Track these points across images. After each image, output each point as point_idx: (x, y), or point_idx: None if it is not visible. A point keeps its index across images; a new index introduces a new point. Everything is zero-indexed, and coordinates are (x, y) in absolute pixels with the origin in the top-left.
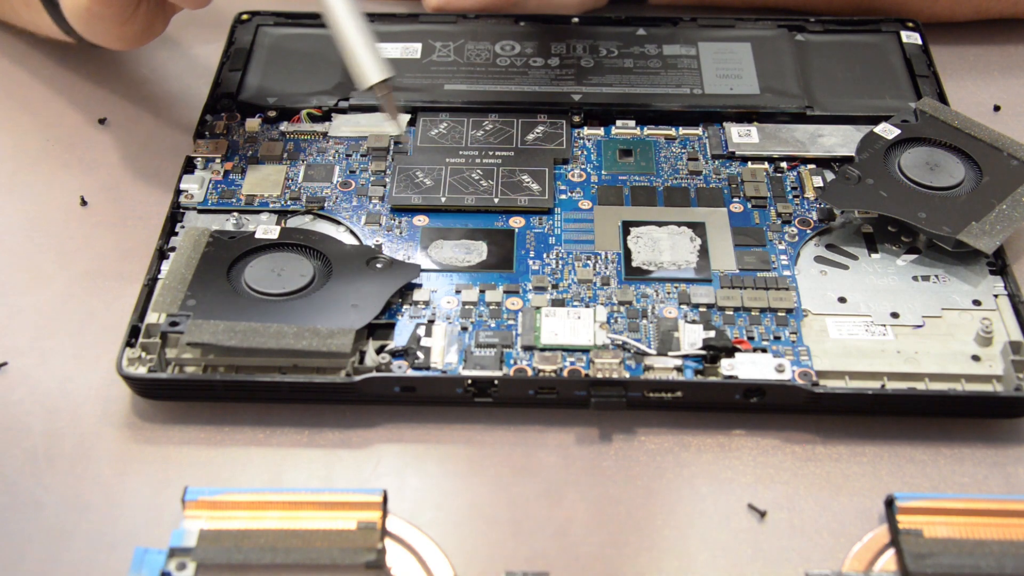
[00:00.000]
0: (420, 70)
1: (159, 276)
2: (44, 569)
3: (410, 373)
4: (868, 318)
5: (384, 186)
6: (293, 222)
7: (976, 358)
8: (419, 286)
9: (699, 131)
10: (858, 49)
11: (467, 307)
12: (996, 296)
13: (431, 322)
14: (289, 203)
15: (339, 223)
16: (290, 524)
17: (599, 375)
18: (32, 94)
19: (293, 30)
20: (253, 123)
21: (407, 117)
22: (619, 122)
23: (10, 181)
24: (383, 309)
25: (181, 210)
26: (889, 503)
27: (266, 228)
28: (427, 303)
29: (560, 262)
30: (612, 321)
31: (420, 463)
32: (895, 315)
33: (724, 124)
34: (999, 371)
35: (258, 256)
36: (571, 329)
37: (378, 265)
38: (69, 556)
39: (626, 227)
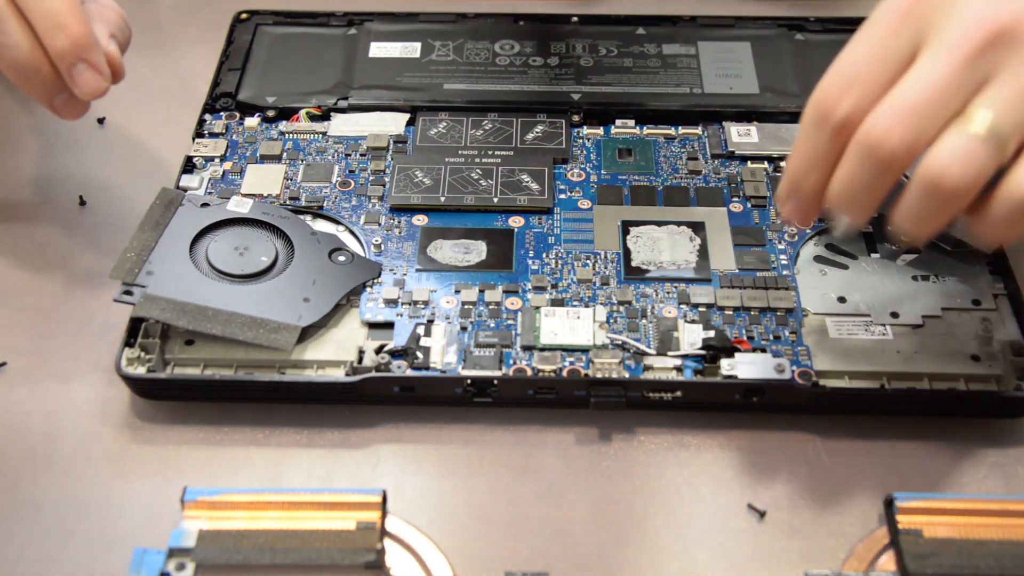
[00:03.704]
0: (419, 69)
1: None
2: (43, 569)
3: (409, 373)
4: (868, 318)
5: (383, 186)
6: None
7: (976, 358)
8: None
9: (699, 130)
10: None
11: (466, 307)
12: (996, 296)
13: (430, 322)
14: (288, 202)
15: (338, 223)
16: (289, 524)
17: (599, 375)
18: None
19: (292, 29)
20: (252, 122)
21: (405, 117)
22: (618, 121)
23: (10, 181)
24: (335, 307)
25: None
26: (889, 503)
27: (239, 201)
28: (427, 303)
29: (559, 262)
30: (611, 321)
31: (419, 463)
32: (895, 315)
33: (724, 123)
34: (999, 371)
35: (225, 230)
36: (571, 329)
37: (340, 259)
38: (68, 556)
39: (625, 227)
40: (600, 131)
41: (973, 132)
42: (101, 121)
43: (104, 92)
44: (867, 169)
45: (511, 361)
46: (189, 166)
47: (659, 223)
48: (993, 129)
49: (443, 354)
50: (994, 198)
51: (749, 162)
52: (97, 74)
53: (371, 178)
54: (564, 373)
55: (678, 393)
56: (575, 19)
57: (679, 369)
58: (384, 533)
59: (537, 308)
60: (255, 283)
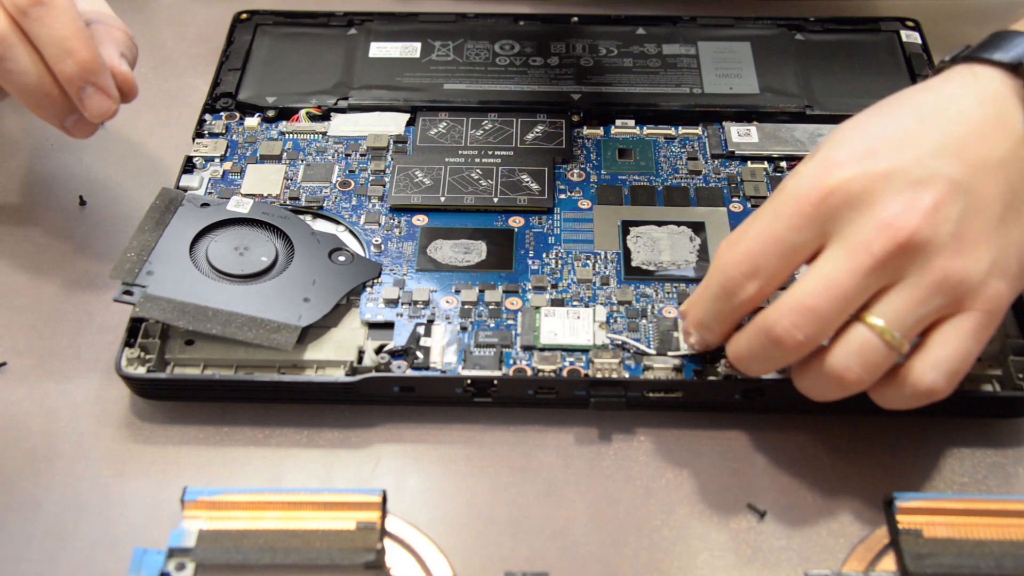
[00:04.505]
0: (419, 69)
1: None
2: (43, 569)
3: (409, 373)
4: None
5: (383, 186)
6: None
7: (976, 358)
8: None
9: (699, 130)
10: (858, 49)
11: (466, 307)
12: None
13: (430, 322)
14: (288, 202)
15: (338, 223)
16: (289, 524)
17: (599, 375)
18: None
19: (292, 29)
20: (252, 122)
21: (405, 117)
22: (618, 121)
23: (10, 181)
24: (335, 307)
25: None
26: (889, 503)
27: (239, 201)
28: (427, 303)
29: (559, 262)
30: (611, 321)
31: (419, 463)
32: None
33: (724, 123)
34: (999, 371)
35: (225, 230)
36: (570, 329)
37: (340, 259)
38: (68, 556)
39: (625, 227)
40: (600, 131)
41: (873, 336)
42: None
43: (113, 113)
44: (767, 352)
45: (511, 361)
46: (189, 166)
47: (659, 223)
48: (889, 336)
49: (443, 354)
50: (895, 383)
51: (749, 162)
52: (105, 97)
53: (371, 178)
54: (564, 373)
55: (678, 393)
56: (575, 19)
57: (679, 369)
58: (384, 533)
59: (537, 308)
60: (255, 283)
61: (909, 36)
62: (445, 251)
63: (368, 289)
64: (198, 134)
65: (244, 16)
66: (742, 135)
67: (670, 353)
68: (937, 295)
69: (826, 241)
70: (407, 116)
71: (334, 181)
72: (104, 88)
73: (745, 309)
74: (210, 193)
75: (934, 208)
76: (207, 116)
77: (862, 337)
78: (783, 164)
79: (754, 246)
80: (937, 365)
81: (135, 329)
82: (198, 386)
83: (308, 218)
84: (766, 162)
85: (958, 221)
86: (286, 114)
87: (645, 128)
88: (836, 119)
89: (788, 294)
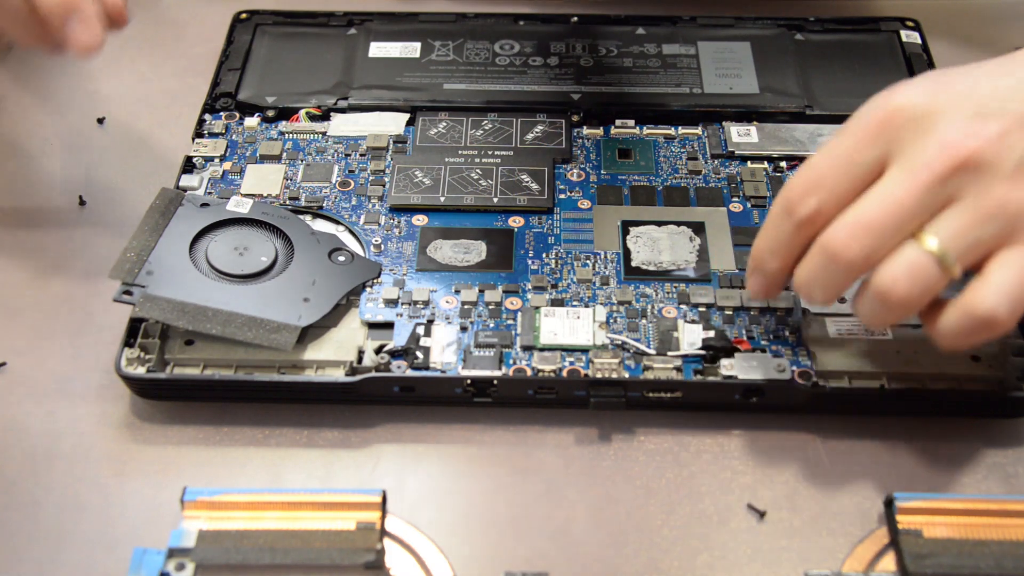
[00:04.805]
0: (419, 69)
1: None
2: (43, 570)
3: (409, 373)
4: None
5: (383, 186)
6: None
7: (976, 358)
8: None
9: (698, 130)
10: (858, 48)
11: (466, 307)
12: None
13: (430, 322)
14: (288, 202)
15: (338, 223)
16: (289, 524)
17: (598, 375)
18: (31, 94)
19: (292, 29)
20: (252, 122)
21: (405, 117)
22: (618, 121)
23: (10, 181)
24: (335, 307)
25: None
26: (889, 503)
27: (239, 201)
28: (426, 303)
29: (559, 262)
30: (611, 321)
31: (419, 463)
32: None
33: (723, 123)
34: (999, 371)
35: (225, 230)
36: (570, 329)
37: (340, 259)
38: (68, 556)
39: (625, 227)
40: (600, 131)
41: (923, 253)
42: (101, 121)
43: (98, 46)
44: (828, 271)
45: (511, 361)
46: (189, 166)
47: (659, 223)
48: (941, 254)
49: (443, 354)
50: (951, 308)
51: (749, 162)
52: (87, 29)
53: (371, 178)
54: (564, 373)
55: (678, 393)
56: (575, 19)
57: (679, 369)
58: (384, 533)
59: (537, 308)
60: (255, 283)
61: (909, 36)
62: (445, 251)
63: (368, 289)
64: (198, 134)
65: (244, 16)
66: (742, 135)
67: (670, 353)
68: (993, 221)
69: (888, 161)
70: (407, 116)
71: (334, 181)
72: (86, 20)
73: (805, 231)
74: (210, 193)
75: (999, 136)
76: (207, 116)
77: (912, 253)
78: (783, 164)
79: (817, 164)
80: (997, 289)
81: (135, 329)
82: (198, 386)
83: (308, 218)
84: (766, 162)
85: None
86: (286, 114)
87: (645, 128)
88: (836, 119)
89: (847, 212)
